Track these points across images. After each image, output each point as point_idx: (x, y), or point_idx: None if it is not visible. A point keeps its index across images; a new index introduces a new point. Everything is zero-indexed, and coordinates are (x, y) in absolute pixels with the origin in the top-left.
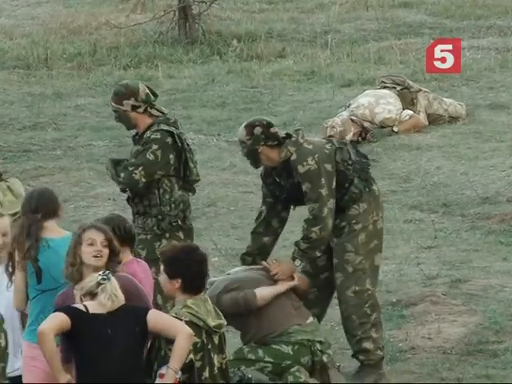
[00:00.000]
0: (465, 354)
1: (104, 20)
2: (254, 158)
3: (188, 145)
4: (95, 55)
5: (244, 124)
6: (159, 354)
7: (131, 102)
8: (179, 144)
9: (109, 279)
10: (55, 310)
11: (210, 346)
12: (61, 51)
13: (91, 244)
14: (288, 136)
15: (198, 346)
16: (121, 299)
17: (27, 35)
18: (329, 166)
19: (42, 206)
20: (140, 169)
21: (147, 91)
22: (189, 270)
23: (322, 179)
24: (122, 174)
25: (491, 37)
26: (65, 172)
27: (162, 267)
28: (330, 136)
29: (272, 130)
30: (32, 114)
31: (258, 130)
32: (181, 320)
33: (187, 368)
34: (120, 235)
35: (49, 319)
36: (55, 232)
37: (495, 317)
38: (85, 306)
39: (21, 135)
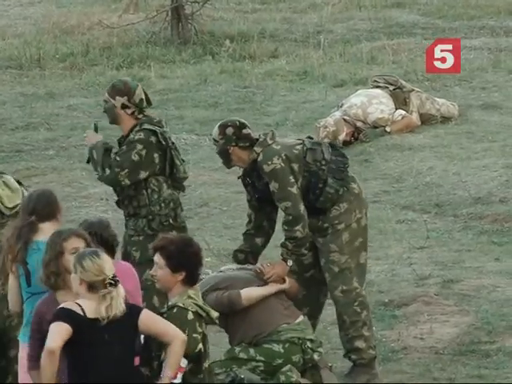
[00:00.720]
0: (457, 354)
1: (97, 20)
2: (225, 157)
3: (173, 143)
4: (88, 55)
5: (219, 123)
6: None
7: (123, 100)
8: (163, 142)
9: (116, 286)
10: (54, 318)
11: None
12: (53, 51)
13: (75, 253)
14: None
15: (201, 336)
16: (122, 310)
17: (20, 35)
18: (296, 166)
19: (38, 209)
20: (126, 171)
21: (142, 97)
22: (191, 262)
23: (291, 177)
24: (107, 171)
25: (484, 37)
26: (57, 172)
27: (161, 261)
28: (323, 136)
29: (244, 131)
30: (24, 114)
31: (229, 131)
32: (187, 310)
33: (195, 357)
34: (98, 241)
35: (54, 334)
36: (50, 234)
37: (487, 317)
38: (81, 308)
39: (13, 135)
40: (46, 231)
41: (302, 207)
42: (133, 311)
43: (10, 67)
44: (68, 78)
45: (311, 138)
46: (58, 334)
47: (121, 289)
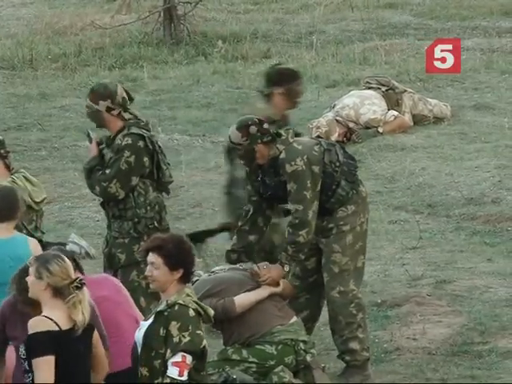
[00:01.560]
0: (450, 355)
1: (89, 21)
2: (249, 157)
3: (160, 147)
4: (80, 56)
5: (235, 126)
6: (170, 340)
7: (107, 103)
8: (150, 147)
9: (81, 288)
10: (37, 349)
11: None
12: (46, 52)
13: None
14: (278, 134)
15: (203, 333)
16: (89, 312)
17: (12, 36)
18: (316, 168)
19: (1, 210)
20: (114, 181)
21: (124, 95)
22: (188, 259)
23: (308, 181)
24: (98, 188)
25: (476, 38)
26: (50, 173)
27: (158, 261)
28: (317, 136)
29: (265, 125)
30: (17, 115)
31: (253, 129)
32: (188, 308)
33: (200, 354)
34: None
35: (45, 373)
36: (4, 232)
37: (480, 318)
38: (53, 321)
39: (6, 136)
40: (1, 230)
41: (311, 214)
42: (91, 325)
43: (3, 68)
44: (60, 79)
45: (321, 138)
46: (49, 371)
47: (86, 291)
